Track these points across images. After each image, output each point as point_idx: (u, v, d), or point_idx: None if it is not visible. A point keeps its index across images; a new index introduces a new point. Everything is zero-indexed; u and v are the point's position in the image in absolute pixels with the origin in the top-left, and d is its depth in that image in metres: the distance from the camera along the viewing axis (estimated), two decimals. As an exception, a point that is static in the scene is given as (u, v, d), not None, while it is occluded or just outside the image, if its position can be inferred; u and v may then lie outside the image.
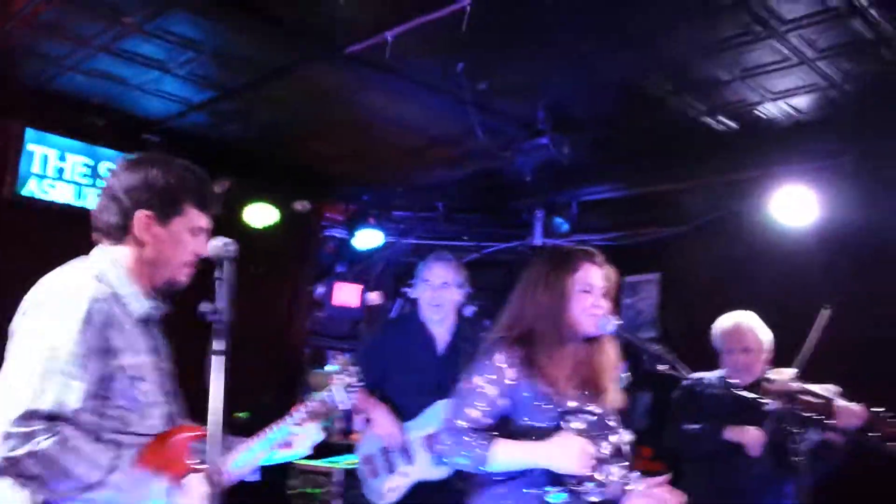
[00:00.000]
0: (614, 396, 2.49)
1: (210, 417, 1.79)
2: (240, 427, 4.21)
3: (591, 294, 2.46)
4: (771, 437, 3.32)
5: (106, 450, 1.87)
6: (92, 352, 1.88)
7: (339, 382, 2.43)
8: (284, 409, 2.49)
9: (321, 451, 5.58)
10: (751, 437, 3.39)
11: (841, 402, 3.29)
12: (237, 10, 3.68)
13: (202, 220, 2.14)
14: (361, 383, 2.50)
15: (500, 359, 2.43)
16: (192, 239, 2.11)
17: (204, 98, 4.73)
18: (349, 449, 5.77)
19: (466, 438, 2.38)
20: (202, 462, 1.95)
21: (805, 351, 3.35)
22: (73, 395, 1.83)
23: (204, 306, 1.89)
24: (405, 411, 3.69)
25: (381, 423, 3.69)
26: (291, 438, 2.30)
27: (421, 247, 6.82)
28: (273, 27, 3.82)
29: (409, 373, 3.70)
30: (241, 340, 6.23)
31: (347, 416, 5.90)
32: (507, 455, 2.34)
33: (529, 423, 2.40)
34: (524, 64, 4.13)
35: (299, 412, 2.35)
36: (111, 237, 2.08)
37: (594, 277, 2.50)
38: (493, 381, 2.42)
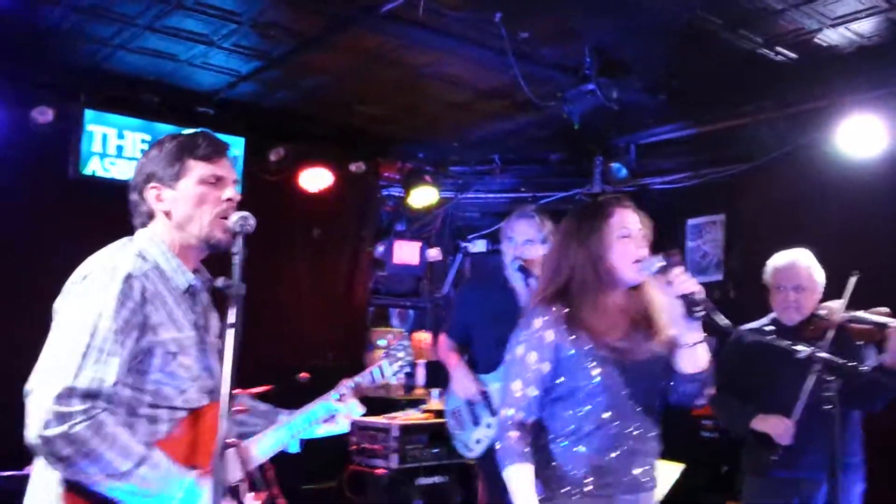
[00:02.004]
0: (669, 336, 2.39)
1: (222, 390, 1.81)
2: (303, 388, 4.37)
3: (630, 238, 2.39)
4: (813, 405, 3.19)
5: (143, 434, 1.92)
6: (129, 327, 1.92)
7: (387, 360, 2.43)
8: (349, 368, 2.54)
9: (382, 406, 5.73)
10: (776, 426, 3.30)
11: (895, 323, 3.17)
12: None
13: (214, 170, 2.11)
14: (410, 357, 2.48)
15: (537, 322, 2.38)
16: (210, 189, 2.09)
17: (251, 68, 4.78)
18: (410, 405, 5.91)
19: (506, 435, 2.35)
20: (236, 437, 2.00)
21: (849, 286, 3.28)
22: (110, 372, 1.87)
23: (219, 280, 1.93)
24: (486, 363, 3.83)
25: (456, 380, 3.88)
26: (335, 413, 2.31)
27: (479, 201, 6.81)
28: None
29: (493, 326, 3.75)
30: (304, 303, 6.39)
31: (409, 373, 5.99)
32: (513, 485, 2.30)
33: (568, 384, 2.35)
34: (564, 8, 4.01)
35: (343, 387, 2.34)
36: (142, 221, 2.14)
37: (630, 221, 2.41)
38: (532, 346, 2.37)
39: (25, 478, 2.02)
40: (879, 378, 3.13)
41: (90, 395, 1.83)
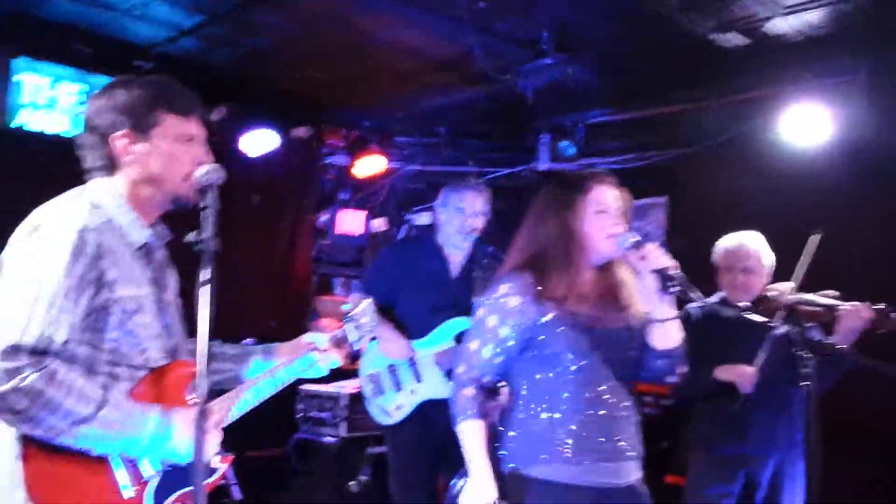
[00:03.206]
0: (638, 311, 2.43)
1: (198, 348, 1.74)
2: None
3: (607, 214, 2.39)
4: (777, 360, 3.28)
5: (96, 383, 1.84)
6: (83, 283, 1.83)
7: (352, 324, 2.41)
8: (291, 337, 2.47)
9: (327, 375, 5.65)
10: (741, 374, 3.34)
11: (844, 305, 3.25)
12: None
13: (188, 127, 2.03)
14: (375, 322, 2.49)
15: (503, 288, 2.40)
16: (184, 147, 2.01)
17: (194, 23, 4.57)
18: (354, 374, 5.83)
19: (460, 392, 2.42)
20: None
21: (799, 268, 3.35)
22: (61, 329, 1.79)
23: (191, 236, 1.83)
24: (415, 330, 3.75)
25: (388, 340, 3.71)
26: (313, 364, 2.32)
27: (424, 173, 6.73)
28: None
29: (422, 293, 3.74)
30: (245, 270, 6.25)
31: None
32: (465, 440, 2.38)
33: (538, 350, 2.37)
34: (524, -20, 3.96)
35: (322, 340, 2.33)
36: (101, 170, 2.02)
37: (609, 198, 2.42)
38: (493, 310, 2.40)
39: None
40: (830, 358, 3.20)
41: (38, 352, 1.76)
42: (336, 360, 2.34)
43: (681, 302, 2.40)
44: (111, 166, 2.01)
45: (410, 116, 6.20)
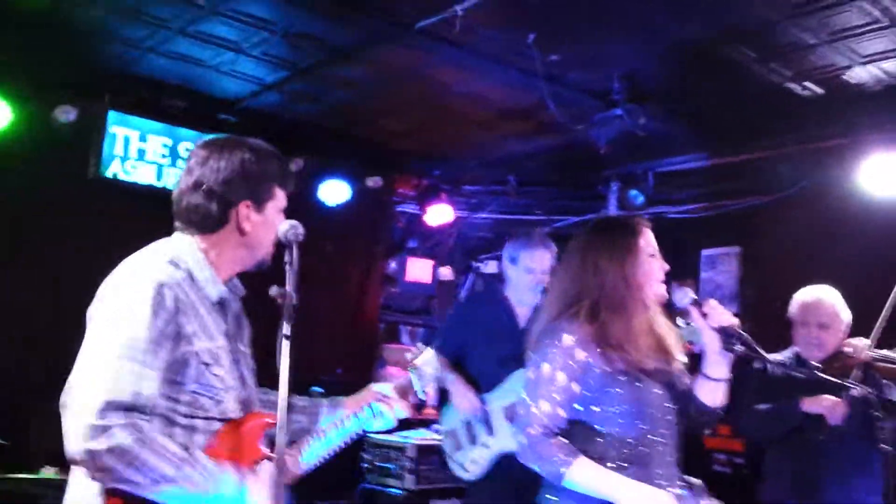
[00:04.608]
0: (681, 360, 2.40)
1: (279, 403, 1.79)
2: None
3: (655, 257, 2.38)
4: (854, 418, 3.20)
5: (178, 441, 1.88)
6: (164, 337, 1.87)
7: (416, 373, 2.43)
8: (358, 384, 2.50)
9: (395, 426, 5.65)
10: (830, 404, 3.25)
11: None
12: (307, -10, 3.71)
13: (285, 200, 2.15)
14: (437, 372, 2.50)
15: (567, 339, 2.30)
16: (281, 217, 2.11)
17: (277, 78, 4.78)
18: (422, 424, 5.85)
19: (546, 445, 2.25)
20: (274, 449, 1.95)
21: (879, 324, 3.25)
22: (148, 384, 1.83)
23: (273, 290, 1.89)
24: (486, 382, 3.77)
25: (459, 395, 3.76)
26: (379, 414, 2.33)
27: (492, 221, 6.80)
28: (342, 6, 3.83)
29: (491, 344, 3.77)
30: (316, 317, 6.35)
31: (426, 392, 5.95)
32: (585, 480, 2.21)
33: (603, 429, 2.30)
34: (596, 34, 4.03)
35: (388, 389, 2.35)
36: (206, 228, 2.06)
37: (654, 241, 2.41)
38: (561, 365, 2.30)
39: (40, 482, 1.99)
40: None
41: (129, 408, 1.80)
42: (402, 409, 2.34)
43: (745, 359, 2.35)
44: (213, 227, 2.06)
45: (480, 165, 6.29)
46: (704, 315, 2.25)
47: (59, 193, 4.86)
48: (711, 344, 2.26)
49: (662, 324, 2.41)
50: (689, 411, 2.40)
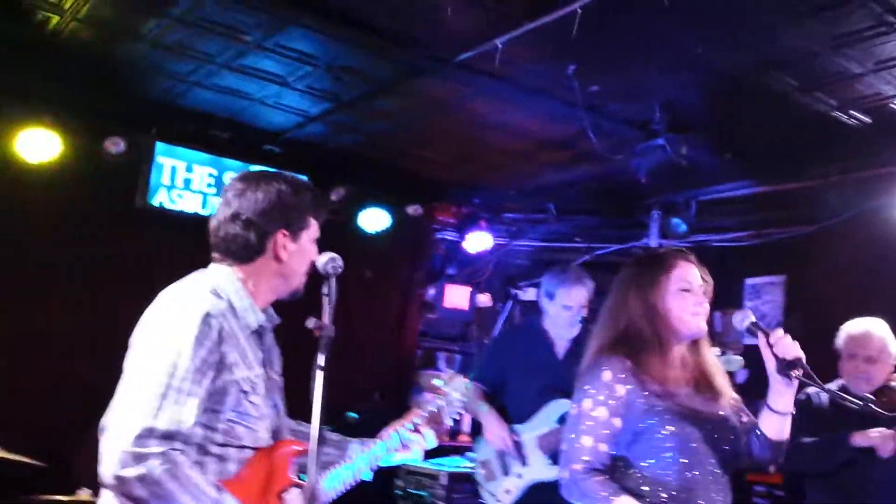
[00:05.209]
0: (729, 397, 2.38)
1: (312, 433, 1.80)
2: (350, 428, 4.32)
3: (691, 293, 2.36)
4: None
5: (213, 473, 1.90)
6: (206, 367, 1.90)
7: (447, 398, 2.44)
8: (394, 410, 2.55)
9: (429, 452, 5.65)
10: (881, 437, 3.19)
11: None
12: (350, 26, 3.76)
13: (318, 230, 2.19)
14: (466, 399, 2.52)
15: (606, 375, 2.32)
16: (315, 248, 2.16)
17: (321, 110, 4.85)
18: (456, 451, 5.83)
19: (589, 482, 2.27)
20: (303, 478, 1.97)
21: None
22: (189, 413, 1.85)
23: (310, 321, 1.92)
24: (522, 413, 3.79)
25: (491, 428, 3.78)
26: (408, 442, 2.34)
27: (531, 249, 6.79)
28: (383, 40, 3.88)
29: (529, 376, 3.79)
30: (355, 342, 6.39)
31: (455, 419, 5.94)
32: None
33: (644, 464, 2.29)
34: (637, 65, 4.02)
35: (417, 416, 2.37)
36: (243, 258, 2.10)
37: (692, 276, 2.39)
38: (602, 401, 2.32)
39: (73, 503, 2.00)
40: None
41: (168, 437, 1.81)
42: (432, 437, 2.35)
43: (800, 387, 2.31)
44: (251, 257, 2.10)
45: (519, 193, 6.30)
46: (772, 345, 2.22)
47: (107, 222, 5.00)
48: (774, 373, 2.23)
49: (706, 359, 2.40)
50: (750, 447, 2.36)
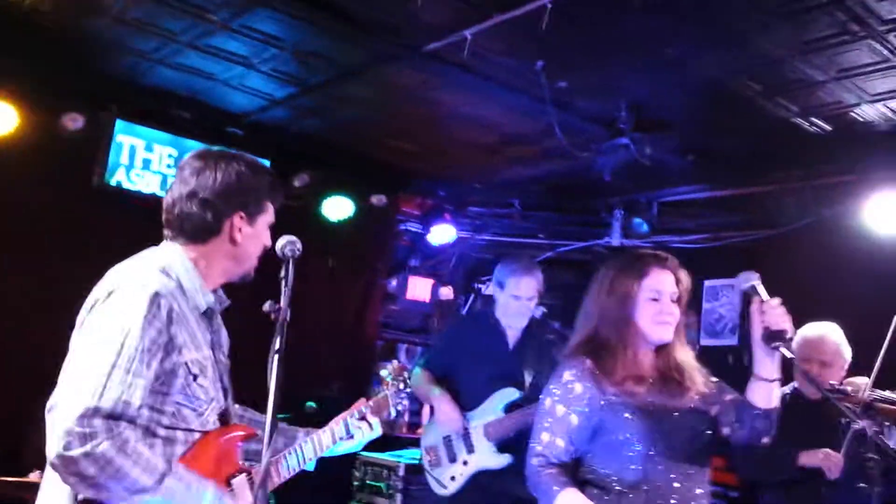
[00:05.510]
0: (700, 392, 2.41)
1: (267, 418, 1.77)
2: (308, 417, 4.28)
3: (659, 302, 2.40)
4: (852, 459, 3.17)
5: (158, 452, 1.86)
6: (155, 347, 1.86)
7: (392, 388, 2.50)
8: (352, 400, 2.55)
9: (386, 444, 5.66)
10: (828, 460, 3.23)
11: None
12: (319, 10, 3.72)
13: (273, 216, 2.17)
14: (410, 389, 2.61)
15: (567, 375, 2.41)
16: (268, 232, 2.14)
17: (285, 94, 4.79)
18: (414, 443, 5.82)
19: (541, 475, 2.35)
20: (251, 462, 1.98)
21: (878, 364, 3.21)
22: (136, 393, 1.81)
23: (267, 305, 1.88)
24: (471, 401, 3.83)
25: (442, 411, 3.81)
26: (354, 431, 2.39)
27: (494, 243, 6.79)
28: (353, 26, 3.84)
29: (480, 365, 3.83)
30: (315, 330, 6.35)
31: (414, 410, 5.94)
32: None
33: (601, 437, 2.35)
34: (605, 63, 4.04)
35: (364, 406, 2.43)
36: (196, 237, 2.06)
37: (664, 283, 2.42)
38: (560, 398, 2.40)
39: (23, 485, 1.96)
40: None
41: (113, 416, 1.78)
42: (377, 425, 2.40)
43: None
44: (205, 237, 2.06)
45: (484, 187, 6.30)
46: (763, 312, 2.27)
47: (62, 200, 4.86)
48: (758, 339, 2.29)
49: (677, 358, 2.44)
50: (746, 419, 2.39)
